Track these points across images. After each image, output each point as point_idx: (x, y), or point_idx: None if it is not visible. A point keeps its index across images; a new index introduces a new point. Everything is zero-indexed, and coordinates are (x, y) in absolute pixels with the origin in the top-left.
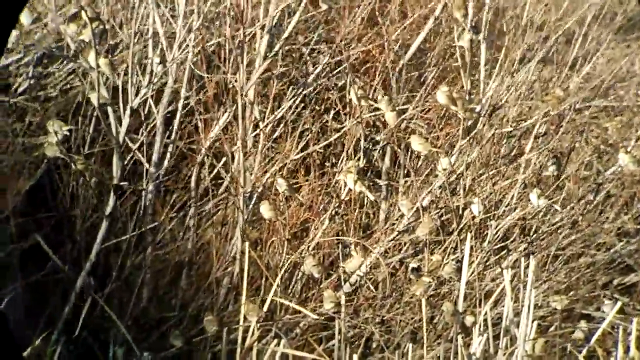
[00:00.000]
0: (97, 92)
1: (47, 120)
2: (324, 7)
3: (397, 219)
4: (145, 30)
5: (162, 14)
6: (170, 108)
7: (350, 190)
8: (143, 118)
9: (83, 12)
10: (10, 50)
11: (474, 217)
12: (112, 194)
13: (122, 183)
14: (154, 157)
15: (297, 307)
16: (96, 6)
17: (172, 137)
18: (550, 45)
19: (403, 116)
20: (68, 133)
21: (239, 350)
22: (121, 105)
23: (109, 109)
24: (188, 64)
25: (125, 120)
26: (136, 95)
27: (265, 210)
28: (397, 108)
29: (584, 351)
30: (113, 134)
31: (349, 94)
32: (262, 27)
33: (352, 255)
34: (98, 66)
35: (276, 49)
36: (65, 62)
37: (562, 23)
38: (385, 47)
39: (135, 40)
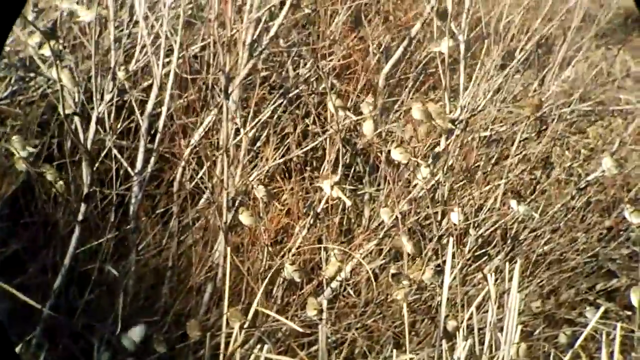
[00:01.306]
0: (61, 103)
1: (27, 125)
2: (306, 10)
3: (377, 225)
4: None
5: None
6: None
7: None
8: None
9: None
10: None
11: (454, 224)
12: (82, 201)
13: (92, 189)
14: (138, 162)
15: (276, 317)
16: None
17: (155, 141)
18: (530, 49)
19: (384, 127)
20: (33, 149)
21: (221, 356)
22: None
23: (76, 118)
24: (172, 67)
25: (92, 128)
26: (101, 101)
27: (244, 217)
28: (378, 112)
29: (568, 356)
30: (80, 141)
31: (328, 97)
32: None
33: (331, 261)
34: (60, 80)
35: (260, 49)
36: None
37: (542, 26)
38: (370, 52)
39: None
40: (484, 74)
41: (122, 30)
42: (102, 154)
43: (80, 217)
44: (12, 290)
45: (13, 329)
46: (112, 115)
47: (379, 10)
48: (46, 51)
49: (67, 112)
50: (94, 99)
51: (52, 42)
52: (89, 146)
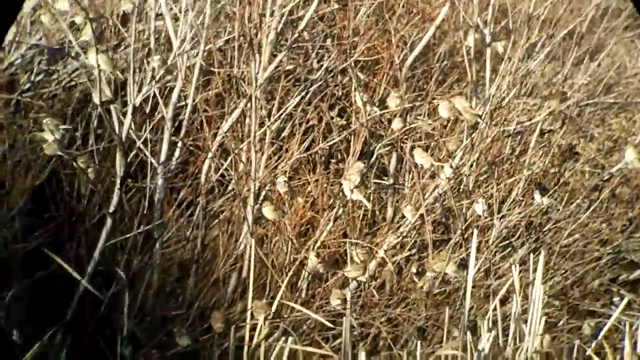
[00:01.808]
0: (98, 90)
1: (50, 117)
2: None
3: (401, 217)
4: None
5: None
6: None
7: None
8: (147, 115)
9: (82, 12)
10: (17, 46)
11: (479, 217)
12: (116, 191)
13: (125, 180)
14: (162, 154)
15: (301, 308)
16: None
17: (181, 134)
18: (555, 42)
19: (410, 120)
20: (65, 132)
21: (246, 347)
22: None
23: (112, 107)
24: (198, 60)
25: (128, 118)
26: (138, 92)
27: (268, 211)
28: (404, 106)
29: (592, 347)
30: (115, 131)
31: (354, 92)
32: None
33: (354, 260)
34: (98, 65)
35: (287, 45)
36: (69, 59)
37: (567, 20)
38: (393, 44)
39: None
40: (510, 65)
41: (146, 23)
42: (137, 145)
43: (111, 209)
44: (59, 260)
45: (35, 322)
46: (150, 105)
47: (404, 3)
48: (86, 36)
49: (103, 99)
50: (131, 88)
51: (94, 25)
52: (124, 136)
